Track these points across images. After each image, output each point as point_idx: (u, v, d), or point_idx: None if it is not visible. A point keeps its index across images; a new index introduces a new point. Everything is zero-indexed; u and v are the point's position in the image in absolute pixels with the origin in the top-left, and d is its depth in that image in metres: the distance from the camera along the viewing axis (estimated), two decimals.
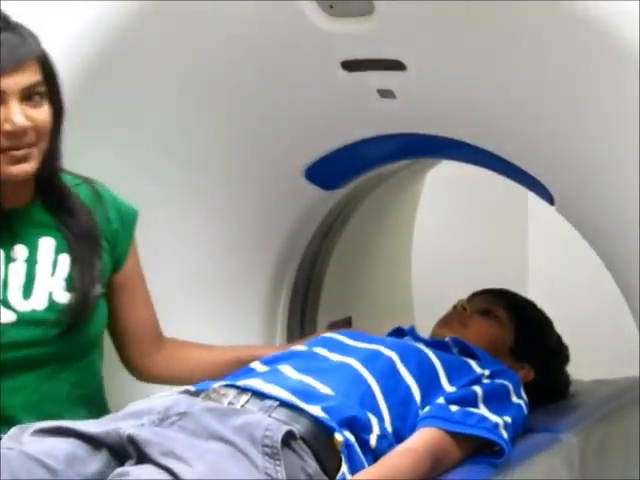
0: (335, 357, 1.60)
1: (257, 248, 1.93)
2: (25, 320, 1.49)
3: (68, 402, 1.57)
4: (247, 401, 1.46)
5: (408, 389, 1.57)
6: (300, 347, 1.70)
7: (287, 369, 1.56)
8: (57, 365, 1.54)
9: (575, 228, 1.70)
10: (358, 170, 1.90)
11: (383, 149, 1.82)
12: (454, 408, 1.55)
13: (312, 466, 1.38)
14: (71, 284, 1.52)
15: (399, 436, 1.51)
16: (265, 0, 1.54)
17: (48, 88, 1.48)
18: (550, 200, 1.68)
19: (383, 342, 1.68)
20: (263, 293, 1.97)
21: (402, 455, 1.45)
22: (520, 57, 1.45)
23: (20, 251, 1.51)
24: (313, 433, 1.42)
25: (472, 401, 1.58)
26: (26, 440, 1.36)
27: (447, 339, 1.77)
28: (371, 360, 1.59)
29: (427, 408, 1.56)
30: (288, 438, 1.37)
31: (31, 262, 1.52)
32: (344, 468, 1.40)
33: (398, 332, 1.84)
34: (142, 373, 1.73)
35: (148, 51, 1.67)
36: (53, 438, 1.36)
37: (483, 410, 1.56)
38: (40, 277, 1.51)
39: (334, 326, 2.07)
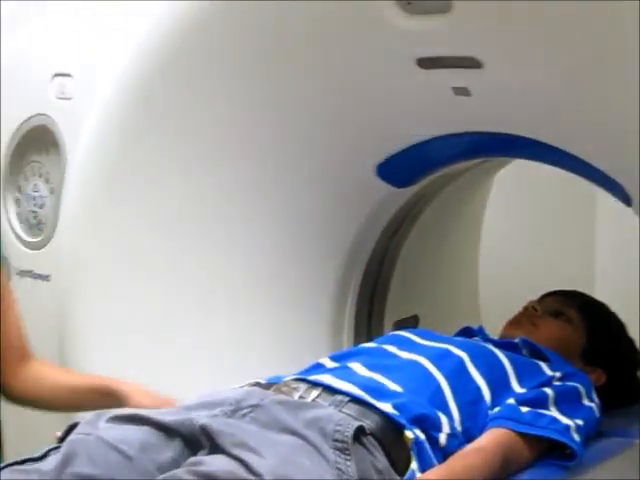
0: (405, 355, 1.61)
1: (326, 246, 1.93)
2: None
3: None
4: (318, 396, 1.47)
5: (478, 389, 1.57)
6: (369, 344, 1.71)
7: (357, 366, 1.57)
8: None
9: None
10: (430, 168, 1.89)
11: (455, 147, 1.81)
12: (525, 409, 1.54)
13: (382, 462, 1.39)
14: None
15: (469, 436, 1.51)
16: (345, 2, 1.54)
17: None
18: (627, 200, 1.66)
19: (453, 341, 1.68)
20: (330, 291, 1.97)
21: (472, 454, 1.45)
22: (601, 54, 1.43)
23: None
24: (383, 429, 1.43)
25: (543, 403, 1.57)
26: (102, 426, 1.39)
27: (517, 340, 1.76)
28: (441, 359, 1.59)
29: (497, 409, 1.56)
30: (359, 433, 1.38)
31: None
32: (414, 465, 1.41)
33: (466, 332, 1.84)
34: (7, 392, 1.69)
35: (230, 38, 1.69)
36: (128, 425, 1.39)
37: (554, 412, 1.56)
38: None
39: (400, 324, 2.07)
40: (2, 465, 1.33)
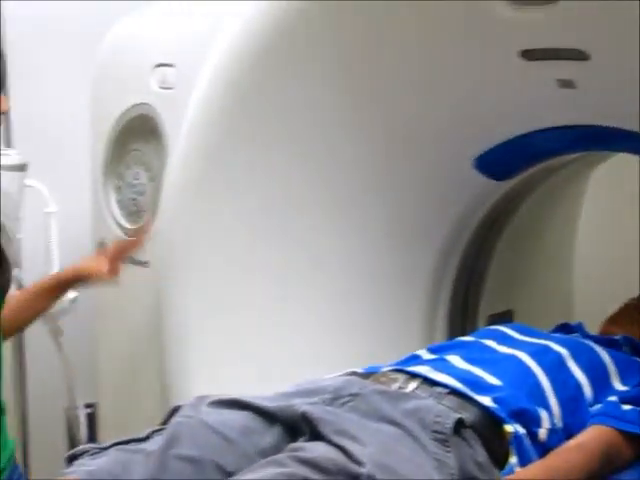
0: (503, 349, 1.60)
1: (422, 239, 1.92)
2: None
3: None
4: (417, 387, 1.47)
5: (579, 386, 1.56)
6: (467, 338, 1.70)
7: (455, 358, 1.57)
8: None
9: None
10: (529, 161, 1.88)
11: (557, 140, 1.78)
12: (627, 407, 1.52)
13: (481, 455, 1.39)
14: None
15: (569, 432, 1.50)
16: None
17: None
18: None
19: (552, 338, 1.67)
20: (425, 284, 1.97)
21: (573, 451, 1.44)
22: None
23: None
24: (483, 423, 1.42)
25: None
26: (204, 410, 1.41)
27: (618, 337, 1.74)
28: (540, 355, 1.58)
29: (598, 406, 1.54)
30: (458, 426, 1.38)
31: None
32: (513, 460, 1.40)
33: (565, 328, 1.82)
34: None
35: (333, 34, 1.69)
36: (229, 410, 1.41)
37: None
38: None
39: (494, 319, 2.06)
40: (109, 444, 1.36)
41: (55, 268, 2.09)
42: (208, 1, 1.92)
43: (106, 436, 2.28)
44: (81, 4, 2.38)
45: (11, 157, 2.07)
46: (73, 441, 2.56)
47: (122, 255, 1.83)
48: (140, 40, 2.00)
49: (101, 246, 2.09)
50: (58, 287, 1.80)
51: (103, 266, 1.79)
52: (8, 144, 2.27)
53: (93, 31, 2.11)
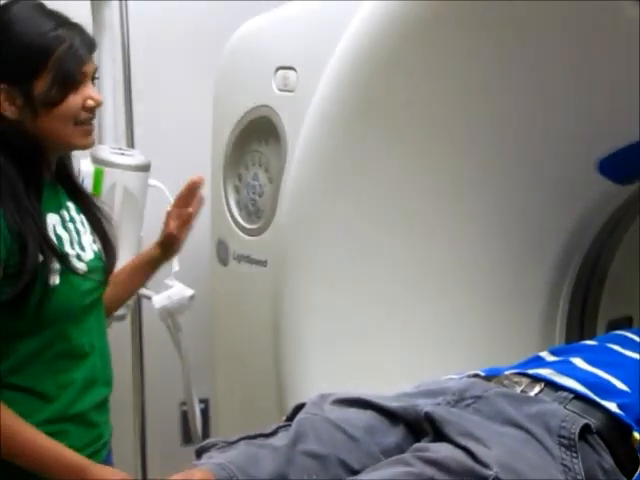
0: (630, 354, 1.58)
1: (541, 243, 1.90)
2: (90, 268, 1.61)
3: (104, 335, 1.70)
4: (541, 390, 1.47)
5: None
6: (590, 341, 1.68)
7: (579, 361, 1.55)
8: (100, 306, 1.68)
9: None
10: None
11: None
12: None
13: (608, 462, 1.38)
14: (99, 235, 1.67)
15: None
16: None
17: None
18: None
19: None
20: (543, 288, 1.94)
21: None
22: None
23: (65, 214, 1.63)
24: (609, 429, 1.41)
25: None
26: (328, 408, 1.43)
27: None
28: None
29: None
30: (584, 431, 1.37)
31: (73, 221, 1.63)
32: None
33: None
34: None
35: (454, 37, 1.69)
36: (352, 409, 1.43)
37: None
38: (82, 233, 1.64)
39: (614, 324, 2.03)
40: (236, 438, 1.38)
41: (175, 267, 2.13)
42: (332, 1, 1.92)
43: (218, 432, 2.32)
44: (207, 4, 2.42)
45: (135, 157, 2.12)
46: (187, 436, 2.62)
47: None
48: (262, 43, 2.02)
49: (221, 244, 2.12)
50: (149, 263, 1.84)
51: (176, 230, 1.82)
52: (131, 144, 2.32)
53: (217, 33, 2.15)
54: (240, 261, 2.06)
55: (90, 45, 1.59)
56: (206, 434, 2.55)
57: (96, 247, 1.67)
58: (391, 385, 1.60)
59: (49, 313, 1.54)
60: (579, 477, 1.32)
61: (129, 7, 2.24)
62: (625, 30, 1.53)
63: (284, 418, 1.47)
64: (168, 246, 1.81)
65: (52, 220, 1.58)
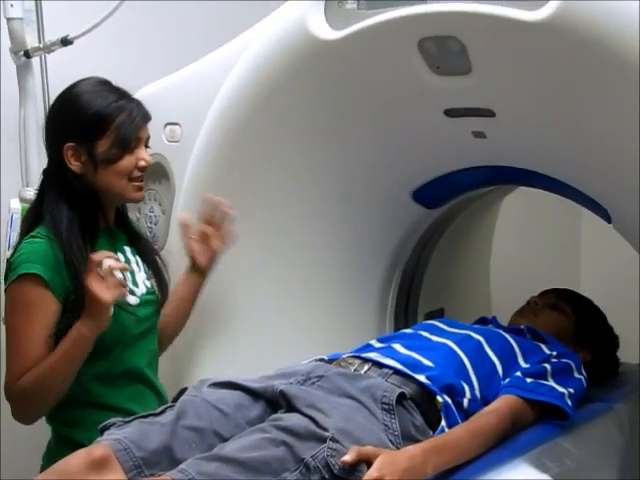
0: (435, 338, 1.62)
1: (373, 253, 1.92)
2: (142, 301, 1.59)
3: (157, 356, 1.67)
4: (369, 369, 1.48)
5: (493, 365, 1.58)
6: (407, 330, 1.72)
7: (398, 346, 1.58)
8: (154, 330, 1.64)
9: (630, 244, 1.67)
10: (454, 193, 1.90)
11: (475, 177, 1.81)
12: (529, 380, 1.55)
13: (419, 420, 1.41)
14: (150, 274, 1.64)
15: (485, 401, 1.52)
16: (389, 65, 1.56)
17: None
18: (608, 219, 1.66)
19: (472, 328, 1.69)
20: (376, 288, 1.96)
21: (489, 414, 1.46)
22: (583, 104, 1.44)
23: (120, 256, 1.59)
24: (420, 395, 1.44)
25: (543, 375, 1.57)
26: (205, 390, 1.41)
27: (522, 327, 1.76)
28: (463, 342, 1.60)
29: (507, 380, 1.56)
30: (401, 398, 1.40)
31: (128, 263, 1.60)
32: (443, 423, 1.42)
33: (482, 321, 1.84)
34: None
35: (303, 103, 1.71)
36: (225, 390, 1.42)
37: (552, 382, 1.56)
38: (136, 272, 1.62)
39: (430, 315, 2.08)
40: (132, 418, 1.35)
41: None
42: (208, 68, 1.91)
43: None
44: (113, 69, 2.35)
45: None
46: None
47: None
48: (156, 102, 1.93)
49: None
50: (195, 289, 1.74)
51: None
52: None
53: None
54: None
55: (144, 115, 1.57)
56: None
57: (149, 283, 1.62)
58: (260, 370, 1.57)
59: (106, 339, 1.49)
60: (396, 433, 1.35)
61: (48, 67, 2.18)
62: (421, 89, 1.58)
63: (171, 400, 1.46)
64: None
65: (108, 261, 1.48)
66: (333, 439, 1.26)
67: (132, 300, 1.56)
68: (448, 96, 1.58)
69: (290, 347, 1.81)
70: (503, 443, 1.44)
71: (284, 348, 1.80)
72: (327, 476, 1.24)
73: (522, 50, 1.42)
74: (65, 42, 2.08)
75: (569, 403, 1.53)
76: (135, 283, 1.60)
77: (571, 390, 1.55)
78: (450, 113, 1.61)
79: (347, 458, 1.23)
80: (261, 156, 1.79)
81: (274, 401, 1.39)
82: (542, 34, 1.37)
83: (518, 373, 1.56)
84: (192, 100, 1.90)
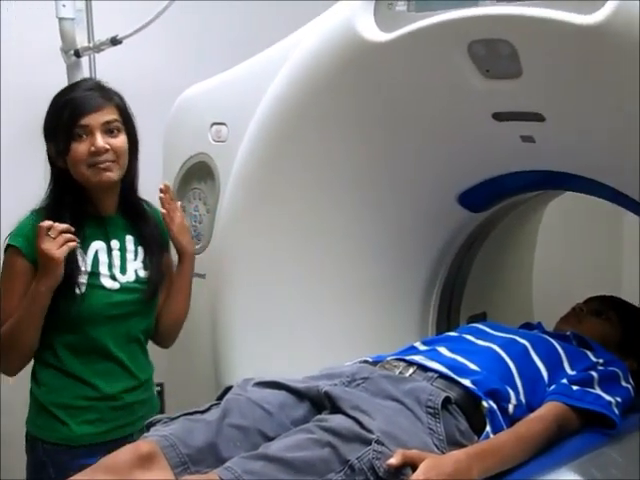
0: (480, 342, 1.61)
1: (417, 256, 1.92)
2: (124, 288, 1.68)
3: (138, 341, 1.74)
4: (414, 372, 1.48)
5: (538, 370, 1.57)
6: (452, 333, 1.71)
7: (443, 349, 1.57)
8: (139, 316, 1.72)
9: None
10: (500, 198, 1.88)
11: (521, 182, 1.78)
12: (575, 387, 1.53)
13: (463, 425, 1.40)
14: (147, 265, 1.72)
15: (530, 407, 1.51)
16: (438, 67, 1.56)
17: (124, 125, 1.67)
18: None
19: (517, 333, 1.67)
20: (420, 292, 1.95)
21: (534, 421, 1.45)
22: (636, 109, 1.41)
23: (115, 243, 1.69)
24: (465, 400, 1.43)
25: (589, 383, 1.55)
26: (249, 389, 1.42)
27: (568, 333, 1.74)
28: (508, 346, 1.59)
29: (553, 386, 1.55)
30: (446, 402, 1.39)
31: (122, 251, 1.70)
32: (488, 428, 1.41)
33: (527, 326, 1.82)
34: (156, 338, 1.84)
35: (354, 102, 1.70)
36: (269, 389, 1.42)
37: (598, 390, 1.54)
38: (129, 260, 1.70)
39: (472, 319, 2.06)
40: (178, 414, 1.37)
41: None
42: (255, 69, 1.92)
43: (170, 410, 2.28)
44: (161, 69, 2.40)
45: None
46: None
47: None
48: (201, 103, 2.01)
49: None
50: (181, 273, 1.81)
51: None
52: None
53: (167, 93, 2.11)
54: None
55: (89, 105, 1.62)
56: (162, 412, 2.51)
57: (144, 273, 1.71)
58: (303, 370, 1.58)
59: (73, 314, 1.61)
60: (441, 437, 1.34)
61: (97, 66, 2.22)
62: (470, 93, 1.57)
63: (216, 398, 1.47)
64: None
65: (96, 246, 1.66)
66: (378, 441, 1.26)
67: (109, 284, 1.66)
68: (497, 99, 1.56)
69: (332, 348, 1.82)
70: (548, 450, 1.43)
71: (326, 349, 1.81)
72: (372, 478, 1.24)
73: (575, 54, 1.40)
74: (114, 42, 2.11)
75: (616, 412, 1.51)
76: (123, 270, 1.68)
77: (618, 399, 1.53)
78: (499, 117, 1.59)
79: (393, 461, 1.23)
80: (306, 157, 1.79)
81: (318, 402, 1.40)
82: (596, 38, 1.35)
83: (564, 380, 1.55)
84: (239, 100, 1.91)
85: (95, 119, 1.62)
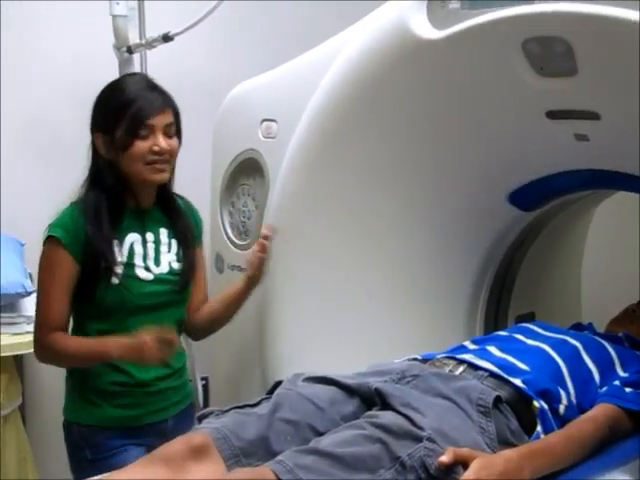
0: (530, 342, 1.60)
1: (466, 255, 1.91)
2: (157, 279, 1.72)
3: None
4: (464, 370, 1.48)
5: (589, 372, 1.55)
6: (502, 332, 1.70)
7: (493, 349, 1.57)
8: (172, 307, 1.75)
9: None
10: (551, 197, 1.86)
11: (573, 181, 1.77)
12: (628, 389, 1.51)
13: (514, 424, 1.40)
14: (180, 258, 1.76)
15: (582, 408, 1.50)
16: (491, 65, 1.55)
17: (176, 128, 1.72)
18: None
19: (568, 333, 1.66)
20: (467, 290, 1.94)
21: (586, 422, 1.44)
22: None
23: (150, 236, 1.73)
24: (515, 399, 1.43)
25: None
26: (300, 384, 1.44)
27: (620, 334, 1.72)
28: (559, 346, 1.58)
29: (604, 388, 1.53)
30: (497, 401, 1.39)
31: (157, 243, 1.74)
32: (539, 428, 1.41)
33: (578, 326, 1.81)
34: (191, 330, 1.88)
35: (405, 99, 1.70)
36: (319, 385, 1.44)
37: None
38: (163, 253, 1.74)
39: (520, 318, 2.04)
40: (229, 407, 1.38)
41: None
42: (305, 66, 1.92)
43: (216, 403, 2.30)
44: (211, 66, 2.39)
45: None
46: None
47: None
48: (251, 100, 2.02)
49: (218, 257, 2.13)
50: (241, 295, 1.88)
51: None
52: None
53: (217, 89, 2.14)
54: (233, 270, 2.06)
55: (158, 106, 1.68)
56: (207, 405, 2.54)
57: (177, 265, 1.75)
58: (352, 366, 1.58)
59: (105, 303, 1.66)
60: (492, 436, 1.34)
61: (148, 63, 2.25)
62: (524, 90, 1.56)
63: (266, 392, 1.48)
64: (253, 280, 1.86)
65: (132, 238, 1.70)
66: (430, 439, 1.26)
67: (143, 275, 1.70)
68: (551, 97, 1.55)
69: (379, 346, 1.82)
70: (600, 452, 1.42)
71: (373, 346, 1.81)
72: (423, 476, 1.24)
73: (632, 52, 1.38)
74: (166, 38, 2.14)
75: None
76: (157, 262, 1.72)
77: None
78: (552, 115, 1.58)
79: (444, 459, 1.23)
80: (356, 154, 1.80)
81: (368, 398, 1.41)
82: None
83: (617, 382, 1.53)
84: (289, 97, 1.92)
85: (160, 120, 1.67)
